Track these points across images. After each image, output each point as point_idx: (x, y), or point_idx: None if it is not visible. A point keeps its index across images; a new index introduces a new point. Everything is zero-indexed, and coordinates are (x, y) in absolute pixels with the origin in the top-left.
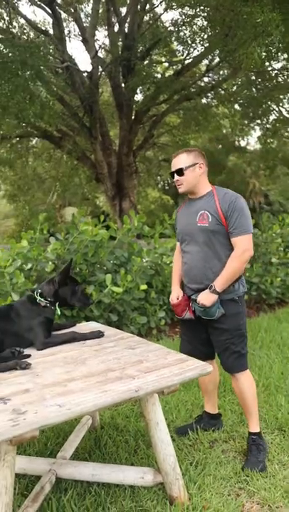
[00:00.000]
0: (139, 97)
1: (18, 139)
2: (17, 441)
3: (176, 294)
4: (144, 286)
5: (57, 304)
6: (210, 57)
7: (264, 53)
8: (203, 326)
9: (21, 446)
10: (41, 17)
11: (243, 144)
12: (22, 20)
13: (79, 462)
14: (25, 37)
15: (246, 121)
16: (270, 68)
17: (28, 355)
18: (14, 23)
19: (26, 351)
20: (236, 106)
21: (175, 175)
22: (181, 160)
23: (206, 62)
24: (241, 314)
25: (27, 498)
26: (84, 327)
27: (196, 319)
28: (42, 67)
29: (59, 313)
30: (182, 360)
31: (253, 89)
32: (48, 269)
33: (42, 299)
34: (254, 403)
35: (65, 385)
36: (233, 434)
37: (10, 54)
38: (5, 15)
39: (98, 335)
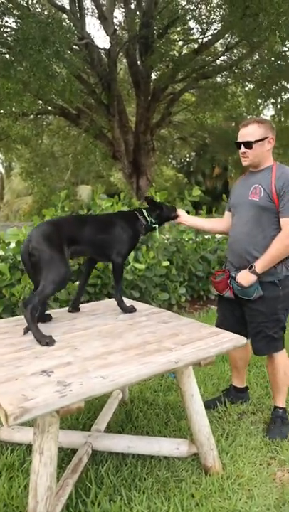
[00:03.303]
0: (156, 74)
1: (32, 116)
2: (64, 412)
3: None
4: (166, 263)
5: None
6: (228, 36)
7: (282, 40)
8: (239, 304)
9: None
10: None
11: None
12: None
13: (115, 435)
14: (45, 13)
15: (260, 100)
16: (285, 48)
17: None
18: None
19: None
20: (251, 85)
21: (242, 146)
22: (251, 131)
23: (223, 41)
24: (280, 298)
25: (66, 469)
26: (115, 302)
27: (235, 297)
28: (63, 44)
29: (158, 236)
30: (216, 333)
31: (268, 68)
32: None
33: (152, 219)
34: (285, 382)
35: (105, 357)
36: (261, 406)
37: (31, 31)
38: None
39: (132, 310)
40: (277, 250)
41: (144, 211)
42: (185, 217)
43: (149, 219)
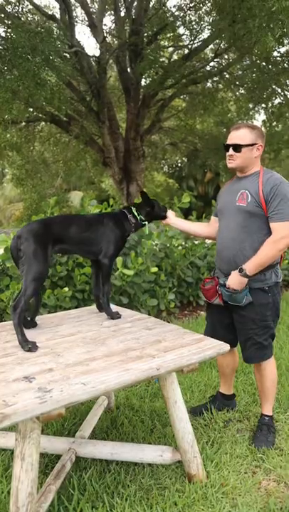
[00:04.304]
0: (145, 81)
1: (23, 123)
2: (45, 419)
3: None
4: (154, 269)
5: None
6: (217, 41)
7: (275, 40)
8: (228, 312)
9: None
10: (47, 1)
11: None
12: (30, 6)
13: (98, 441)
14: (34, 22)
15: (251, 105)
16: (275, 53)
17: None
18: (22, 8)
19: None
20: (242, 90)
21: (230, 149)
22: (241, 135)
23: (212, 46)
24: (269, 305)
25: (49, 476)
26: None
27: (223, 304)
28: (52, 53)
29: (147, 232)
30: (199, 339)
31: (258, 73)
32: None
33: (141, 217)
34: (273, 390)
35: (87, 364)
36: (247, 413)
37: (21, 40)
38: None
39: (116, 316)
40: (266, 253)
41: (133, 209)
42: (173, 219)
43: (138, 216)
